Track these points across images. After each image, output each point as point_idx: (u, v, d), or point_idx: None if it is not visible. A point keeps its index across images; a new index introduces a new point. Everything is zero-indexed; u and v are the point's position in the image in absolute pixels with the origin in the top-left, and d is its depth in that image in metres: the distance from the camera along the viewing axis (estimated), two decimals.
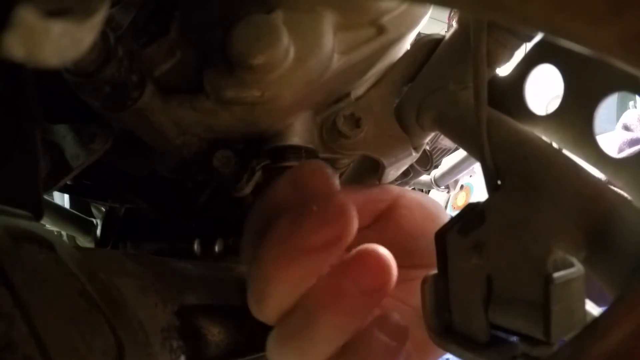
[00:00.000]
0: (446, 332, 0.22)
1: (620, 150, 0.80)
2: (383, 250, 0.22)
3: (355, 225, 0.20)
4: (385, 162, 0.29)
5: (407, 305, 0.27)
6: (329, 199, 0.20)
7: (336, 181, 0.23)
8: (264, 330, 0.24)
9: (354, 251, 0.21)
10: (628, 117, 0.84)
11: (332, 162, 0.33)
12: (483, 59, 0.21)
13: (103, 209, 0.51)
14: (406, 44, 0.31)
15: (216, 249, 0.40)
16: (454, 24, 0.27)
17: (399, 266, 0.29)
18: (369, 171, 0.34)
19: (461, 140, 0.25)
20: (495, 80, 0.25)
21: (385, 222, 0.28)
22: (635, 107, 1.31)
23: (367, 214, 0.27)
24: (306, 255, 0.20)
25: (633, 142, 0.79)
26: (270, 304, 0.22)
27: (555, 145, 0.21)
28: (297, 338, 0.21)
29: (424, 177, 0.84)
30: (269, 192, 0.24)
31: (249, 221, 0.24)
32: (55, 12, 0.11)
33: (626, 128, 0.83)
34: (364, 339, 0.23)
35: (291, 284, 0.21)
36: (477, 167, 0.89)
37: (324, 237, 0.20)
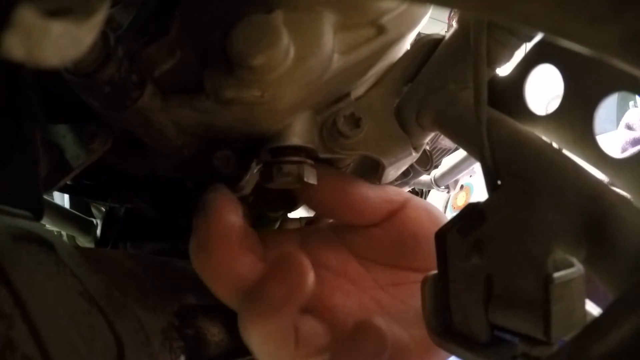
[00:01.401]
0: (446, 332, 0.23)
1: (624, 149, 0.80)
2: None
3: (309, 278, 0.24)
4: (385, 162, 0.29)
5: (409, 306, 0.28)
6: (286, 259, 0.24)
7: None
8: None
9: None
10: (631, 116, 0.83)
11: (332, 162, 0.33)
12: (483, 59, 0.21)
13: (103, 209, 0.51)
14: (406, 44, 0.31)
15: None
16: (454, 24, 0.27)
17: (402, 268, 0.29)
18: (369, 171, 0.34)
19: (461, 140, 0.25)
20: (495, 80, 0.25)
21: (392, 222, 0.28)
22: (636, 107, 1.31)
23: (381, 213, 0.28)
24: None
25: (636, 142, 0.79)
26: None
27: (555, 145, 0.21)
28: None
29: (424, 177, 0.84)
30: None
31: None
32: (55, 12, 0.11)
33: (629, 127, 0.83)
34: (344, 345, 0.25)
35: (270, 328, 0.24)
36: (477, 167, 0.89)
37: (282, 291, 0.24)
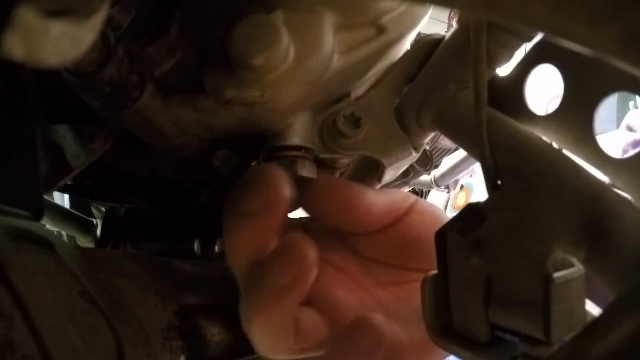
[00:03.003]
0: (446, 332, 0.23)
1: (625, 151, 0.80)
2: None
3: (313, 269, 0.23)
4: (385, 162, 0.29)
5: (410, 305, 0.28)
6: (291, 245, 0.23)
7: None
8: None
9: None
10: (631, 118, 0.83)
11: (332, 162, 0.33)
12: (483, 59, 0.21)
13: (103, 209, 0.51)
14: (406, 44, 0.31)
15: (216, 249, 0.40)
16: (454, 24, 0.27)
17: (405, 268, 0.29)
18: (369, 171, 0.34)
19: (461, 140, 0.25)
20: (495, 80, 0.25)
21: (397, 226, 0.28)
22: (637, 107, 1.31)
23: (388, 220, 0.28)
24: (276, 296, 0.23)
25: (637, 143, 0.79)
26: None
27: (555, 145, 0.21)
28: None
29: (424, 177, 0.84)
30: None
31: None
32: (55, 12, 0.11)
33: (629, 129, 0.83)
34: (340, 341, 0.24)
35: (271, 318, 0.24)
36: (477, 167, 0.89)
37: (285, 281, 0.23)
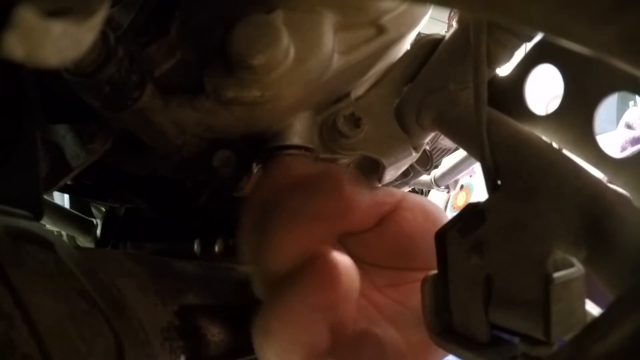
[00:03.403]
0: (446, 332, 0.23)
1: (623, 148, 0.80)
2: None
3: (348, 289, 0.22)
4: (385, 162, 0.29)
5: (406, 307, 0.27)
6: (323, 260, 0.22)
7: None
8: None
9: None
10: (630, 115, 0.83)
11: (332, 162, 0.33)
12: (483, 59, 0.21)
13: (103, 209, 0.51)
14: (406, 44, 0.31)
15: (216, 249, 0.40)
16: (454, 24, 0.27)
17: (399, 269, 0.28)
18: (369, 171, 0.34)
19: (461, 140, 0.25)
20: (495, 80, 0.25)
21: (386, 224, 0.27)
22: (636, 106, 1.31)
23: (372, 217, 0.27)
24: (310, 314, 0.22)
25: (635, 141, 0.79)
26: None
27: (555, 145, 0.21)
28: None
29: (424, 177, 0.84)
30: (266, 185, 0.25)
31: (246, 214, 0.25)
32: (55, 12, 0.11)
33: (628, 126, 0.83)
34: (344, 353, 0.24)
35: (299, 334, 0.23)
36: (477, 167, 0.89)
37: (318, 303, 0.22)
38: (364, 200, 0.27)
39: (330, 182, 0.24)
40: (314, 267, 0.22)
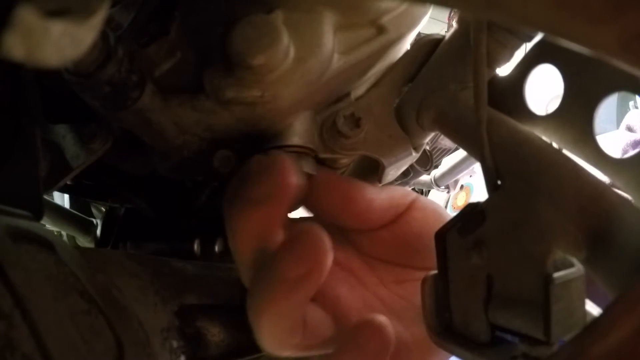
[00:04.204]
0: (446, 332, 0.23)
1: (625, 151, 0.80)
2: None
3: (328, 260, 0.22)
4: (385, 162, 0.29)
5: (412, 304, 0.28)
6: (305, 233, 0.22)
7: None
8: None
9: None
10: (631, 118, 0.83)
11: (332, 162, 0.33)
12: (483, 59, 0.21)
13: (103, 209, 0.51)
14: (406, 44, 0.31)
15: (216, 249, 0.40)
16: (454, 24, 0.27)
17: (406, 266, 0.29)
18: (369, 171, 0.34)
19: (461, 140, 0.25)
20: (495, 80, 0.25)
21: (398, 223, 0.28)
22: (636, 107, 1.30)
23: (386, 217, 0.28)
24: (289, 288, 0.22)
25: (636, 144, 0.79)
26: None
27: (555, 145, 0.21)
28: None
29: (424, 177, 0.84)
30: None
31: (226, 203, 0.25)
32: (55, 12, 0.11)
33: (629, 129, 0.83)
34: (348, 342, 0.24)
35: (282, 312, 0.23)
36: (477, 167, 0.89)
37: (298, 272, 0.21)
38: (380, 201, 0.27)
39: (263, 165, 0.24)
40: (283, 247, 0.22)
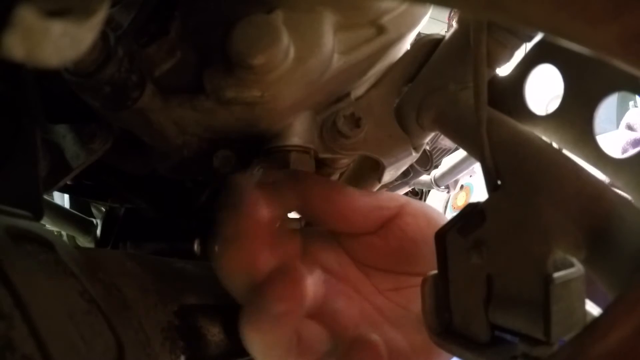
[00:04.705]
0: (446, 332, 0.23)
1: (624, 150, 0.80)
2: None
3: (307, 297, 0.24)
4: (385, 162, 0.29)
5: (409, 310, 0.27)
6: (288, 274, 0.24)
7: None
8: None
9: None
10: (631, 116, 0.83)
11: (332, 162, 0.33)
12: (483, 59, 0.21)
13: (103, 209, 0.51)
14: (406, 44, 0.31)
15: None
16: (454, 24, 0.27)
17: (402, 273, 0.29)
18: (369, 171, 0.34)
19: (461, 140, 0.25)
20: (495, 80, 0.25)
21: (390, 229, 0.28)
22: (636, 107, 1.30)
23: (374, 220, 0.28)
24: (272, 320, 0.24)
25: (636, 142, 0.79)
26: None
27: (555, 145, 0.21)
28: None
29: (424, 177, 0.84)
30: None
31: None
32: (55, 12, 0.11)
33: (630, 128, 0.82)
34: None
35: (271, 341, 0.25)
36: (477, 167, 0.89)
37: (280, 309, 0.24)
38: (363, 203, 0.27)
39: (230, 200, 0.25)
40: (273, 280, 0.24)
